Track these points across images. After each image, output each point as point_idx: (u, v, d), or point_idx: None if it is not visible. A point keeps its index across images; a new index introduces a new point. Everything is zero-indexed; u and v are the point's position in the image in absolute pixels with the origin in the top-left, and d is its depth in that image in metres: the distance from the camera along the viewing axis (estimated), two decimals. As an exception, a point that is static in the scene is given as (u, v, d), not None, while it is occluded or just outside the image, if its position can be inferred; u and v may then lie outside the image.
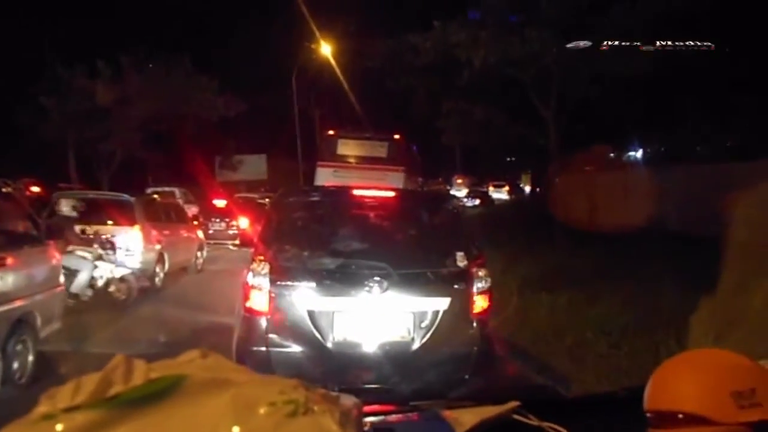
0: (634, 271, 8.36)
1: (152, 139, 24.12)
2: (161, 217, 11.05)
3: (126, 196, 10.36)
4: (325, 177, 12.03)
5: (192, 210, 17.26)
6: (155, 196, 13.58)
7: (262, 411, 0.83)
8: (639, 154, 30.04)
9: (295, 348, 4.12)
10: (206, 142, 25.84)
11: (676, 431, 1.00)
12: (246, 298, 4.17)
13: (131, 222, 9.74)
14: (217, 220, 16.98)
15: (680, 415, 0.99)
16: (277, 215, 4.78)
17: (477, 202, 35.19)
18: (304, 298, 4.10)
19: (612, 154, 29.35)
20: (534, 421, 1.16)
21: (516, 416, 1.15)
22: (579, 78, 16.12)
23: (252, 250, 4.54)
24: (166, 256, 10.43)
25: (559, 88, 16.81)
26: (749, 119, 17.27)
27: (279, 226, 4.61)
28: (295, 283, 4.13)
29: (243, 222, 15.49)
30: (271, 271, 4.10)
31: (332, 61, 24.63)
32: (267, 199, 19.71)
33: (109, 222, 9.73)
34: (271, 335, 4.09)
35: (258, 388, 0.87)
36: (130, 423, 0.81)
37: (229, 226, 16.64)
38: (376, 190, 5.11)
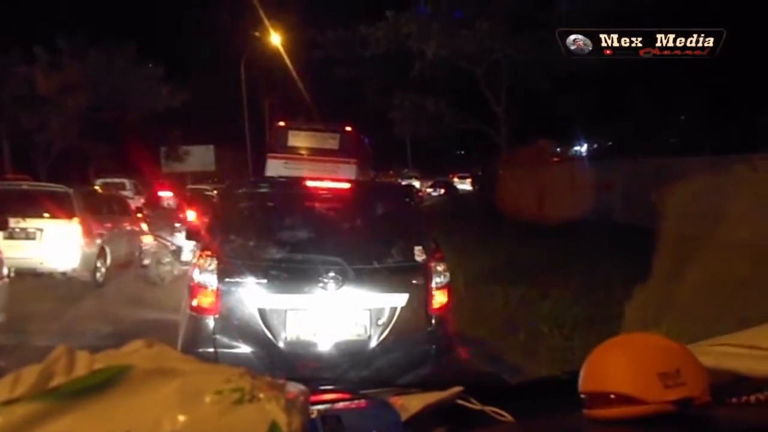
0: (583, 263, 8.61)
1: (93, 129, 23.33)
2: (102, 209, 10.68)
3: (63, 188, 9.86)
4: (276, 169, 11.82)
5: (139, 201, 16.89)
6: (96, 187, 13.16)
7: (208, 399, 0.85)
8: (584, 148, 30.95)
9: (245, 348, 3.93)
10: (151, 132, 25.21)
11: (608, 411, 1.08)
12: (192, 296, 3.98)
13: (69, 215, 9.33)
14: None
15: (612, 396, 1.07)
16: (225, 208, 4.63)
17: (442, 191, 37.37)
18: (254, 295, 3.95)
19: (558, 149, 30.35)
20: (476, 405, 1.21)
21: (459, 401, 1.21)
22: (528, 73, 16.45)
23: (199, 244, 4.38)
24: (107, 251, 10.11)
25: (509, 82, 17.12)
26: (691, 116, 17.99)
27: (227, 220, 4.44)
28: (245, 280, 3.97)
29: (190, 215, 15.21)
30: (219, 268, 3.93)
31: (281, 51, 24.41)
32: (215, 191, 19.46)
33: (46, 215, 9.28)
34: (218, 336, 3.91)
35: (204, 377, 0.88)
36: (72, 414, 0.81)
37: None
38: (329, 181, 4.97)
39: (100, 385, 0.84)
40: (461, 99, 18.81)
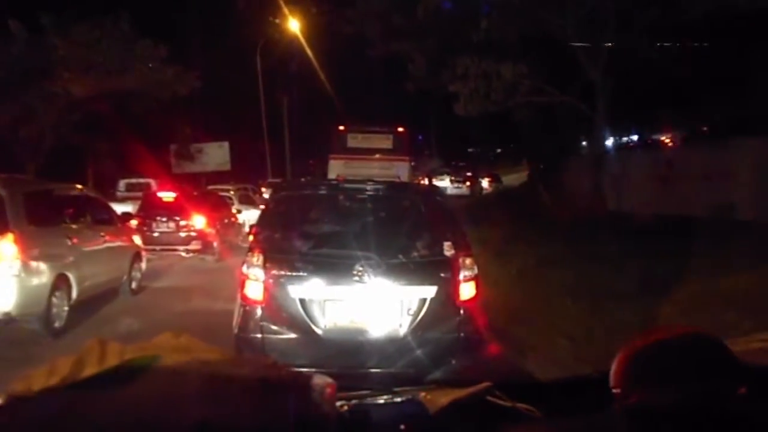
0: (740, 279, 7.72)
1: (90, 122, 23.93)
2: (63, 217, 8.92)
3: None
4: (338, 169, 16.06)
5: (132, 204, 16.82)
6: (78, 186, 9.96)
7: (235, 390, 1.09)
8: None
9: (288, 334, 5.38)
10: (158, 127, 25.83)
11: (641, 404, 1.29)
12: (242, 287, 5.43)
13: (1, 228, 7.41)
14: (164, 219, 15.23)
15: None
16: (273, 208, 6.26)
17: None
18: (296, 287, 5.34)
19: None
20: (506, 402, 1.45)
21: (489, 397, 1.45)
22: (632, 27, 16.19)
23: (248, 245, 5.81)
24: (72, 279, 8.42)
25: (609, 40, 16.78)
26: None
27: (274, 219, 6.04)
28: (288, 273, 5.40)
29: (199, 221, 15.13)
30: (265, 262, 5.37)
31: (301, 34, 25.44)
32: (232, 192, 20.18)
33: None
34: (264, 323, 5.34)
35: (231, 368, 1.13)
36: (104, 402, 1.06)
37: (179, 228, 15.72)
38: (376, 182, 6.42)
39: (131, 374, 1.10)
40: (540, 65, 18.49)
